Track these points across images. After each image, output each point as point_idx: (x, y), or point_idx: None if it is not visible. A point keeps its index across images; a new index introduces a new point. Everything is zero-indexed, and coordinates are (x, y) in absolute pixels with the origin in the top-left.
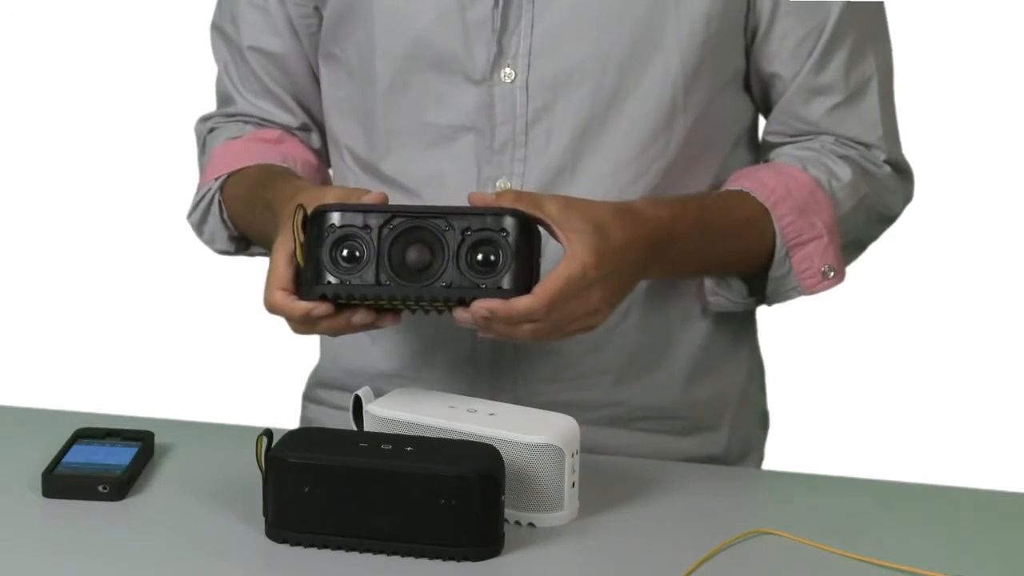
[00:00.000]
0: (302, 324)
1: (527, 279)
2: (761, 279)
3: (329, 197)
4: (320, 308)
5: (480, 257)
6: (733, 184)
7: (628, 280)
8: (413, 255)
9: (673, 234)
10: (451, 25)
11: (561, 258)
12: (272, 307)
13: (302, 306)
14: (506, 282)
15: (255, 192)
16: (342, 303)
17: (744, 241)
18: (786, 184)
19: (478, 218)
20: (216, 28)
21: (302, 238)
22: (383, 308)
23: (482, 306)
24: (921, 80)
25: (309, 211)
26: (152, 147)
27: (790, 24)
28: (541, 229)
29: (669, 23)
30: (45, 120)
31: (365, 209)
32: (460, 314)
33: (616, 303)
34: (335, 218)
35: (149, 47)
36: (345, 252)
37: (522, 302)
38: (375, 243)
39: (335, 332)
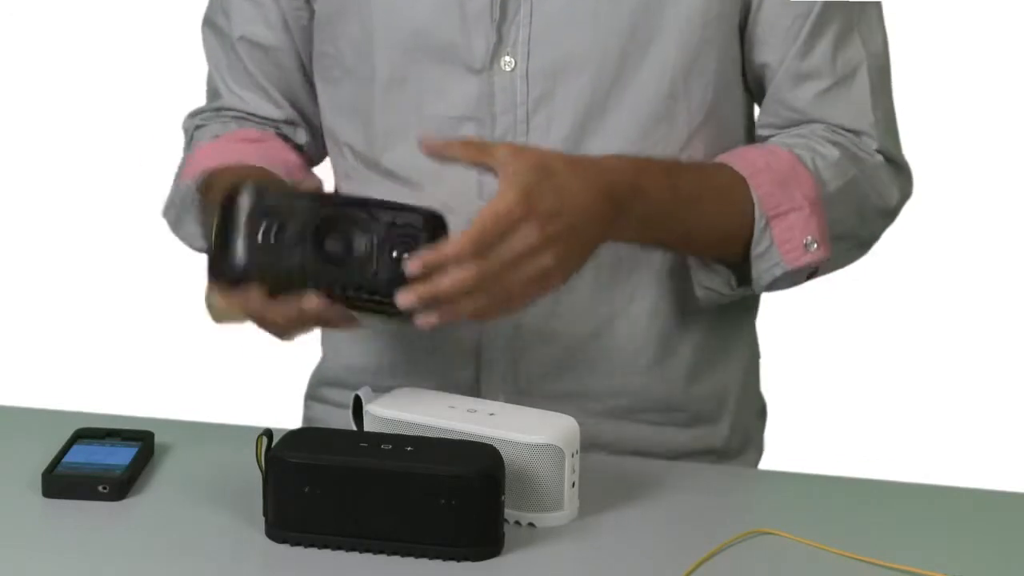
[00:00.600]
0: (234, 310)
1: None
2: (746, 265)
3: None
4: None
5: (396, 254)
6: (715, 159)
7: (587, 235)
8: (334, 243)
9: (638, 186)
10: (450, 15)
11: None
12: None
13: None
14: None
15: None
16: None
17: (719, 208)
18: (766, 158)
19: (398, 213)
20: (208, 23)
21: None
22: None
23: (417, 264)
24: (921, 79)
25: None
26: (152, 147)
27: (777, 9)
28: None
29: (667, 10)
30: (45, 120)
31: (286, 196)
32: (402, 296)
33: (573, 260)
34: (250, 200)
35: (143, 45)
36: (263, 232)
37: (447, 243)
38: (298, 227)
39: (288, 326)
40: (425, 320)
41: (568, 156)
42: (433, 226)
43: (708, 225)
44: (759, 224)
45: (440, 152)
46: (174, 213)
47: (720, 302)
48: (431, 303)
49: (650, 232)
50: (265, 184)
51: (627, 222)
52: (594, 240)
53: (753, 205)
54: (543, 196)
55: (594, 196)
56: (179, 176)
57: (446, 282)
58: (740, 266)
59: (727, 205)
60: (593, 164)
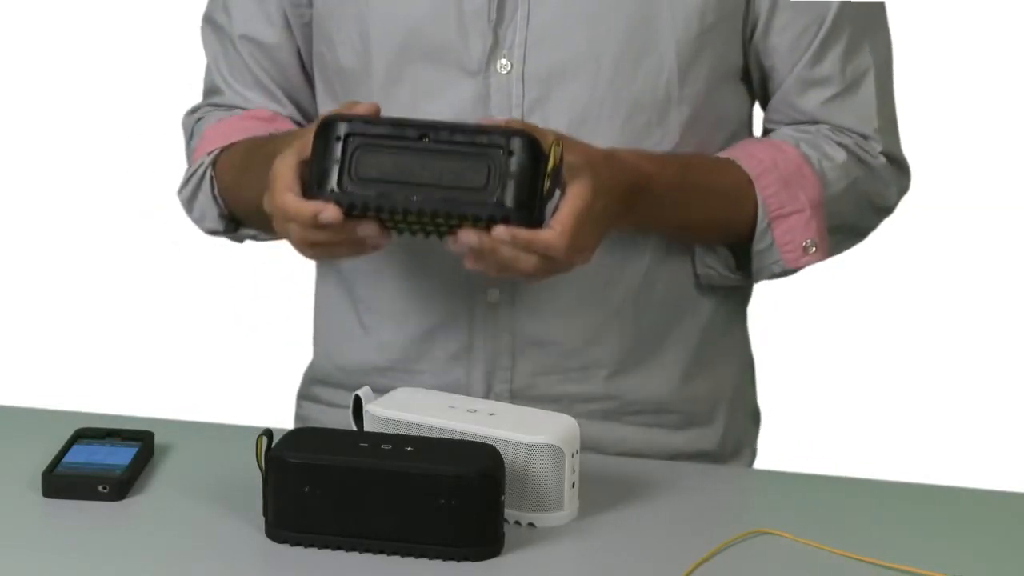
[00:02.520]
0: (308, 230)
1: (531, 200)
2: (747, 252)
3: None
4: (329, 211)
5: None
6: (724, 153)
7: (605, 225)
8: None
9: (650, 186)
10: (447, 16)
11: (563, 195)
12: (282, 206)
13: (310, 207)
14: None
15: (252, 154)
16: (350, 212)
17: (724, 206)
18: (774, 156)
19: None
20: (208, 20)
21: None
22: (387, 223)
23: (505, 233)
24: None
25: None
26: (151, 148)
27: (789, 18)
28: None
29: (664, 15)
30: (45, 121)
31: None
32: (464, 236)
33: (597, 245)
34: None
35: (141, 42)
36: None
37: (545, 234)
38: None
39: (338, 248)
40: (472, 263)
41: (603, 152)
42: (535, 148)
43: (710, 222)
44: (761, 224)
45: (499, 125)
46: (188, 191)
47: (719, 283)
48: (488, 258)
49: (651, 224)
50: (350, 113)
51: (631, 215)
52: (608, 229)
53: (757, 205)
54: (600, 199)
55: (617, 194)
56: (191, 157)
57: (519, 264)
58: (741, 249)
59: (731, 205)
60: (619, 161)
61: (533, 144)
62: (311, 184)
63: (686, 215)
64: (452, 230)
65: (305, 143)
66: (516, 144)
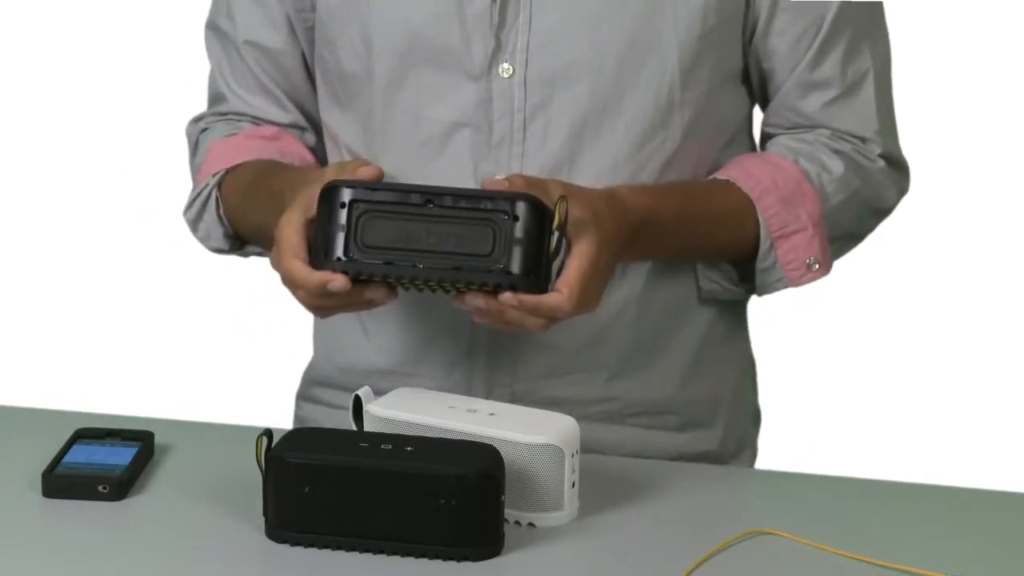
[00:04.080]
0: (316, 297)
1: (536, 266)
2: (750, 268)
3: (329, 174)
4: (337, 280)
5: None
6: (722, 174)
7: (610, 272)
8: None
9: (650, 222)
10: (449, 20)
11: (568, 252)
12: (289, 274)
13: (318, 276)
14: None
15: (258, 182)
16: (357, 279)
17: (726, 231)
18: (772, 175)
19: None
20: (211, 26)
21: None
22: (393, 286)
23: (512, 299)
24: (919, 77)
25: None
26: (151, 148)
27: (788, 20)
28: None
29: (666, 19)
30: (45, 121)
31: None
32: (471, 299)
33: (602, 293)
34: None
35: (144, 47)
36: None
37: (552, 299)
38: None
39: (346, 308)
40: (479, 318)
41: (605, 196)
42: (541, 212)
43: (712, 246)
44: (764, 244)
45: (503, 188)
46: (194, 211)
47: (723, 296)
48: (495, 317)
49: (654, 254)
50: (355, 180)
51: (634, 251)
52: (614, 270)
53: (759, 226)
54: (606, 251)
55: (622, 236)
56: (196, 176)
57: (526, 323)
58: (744, 265)
59: (733, 228)
60: (620, 204)
61: (537, 207)
62: (317, 252)
63: (688, 242)
64: (460, 291)
65: (310, 200)
66: (521, 209)
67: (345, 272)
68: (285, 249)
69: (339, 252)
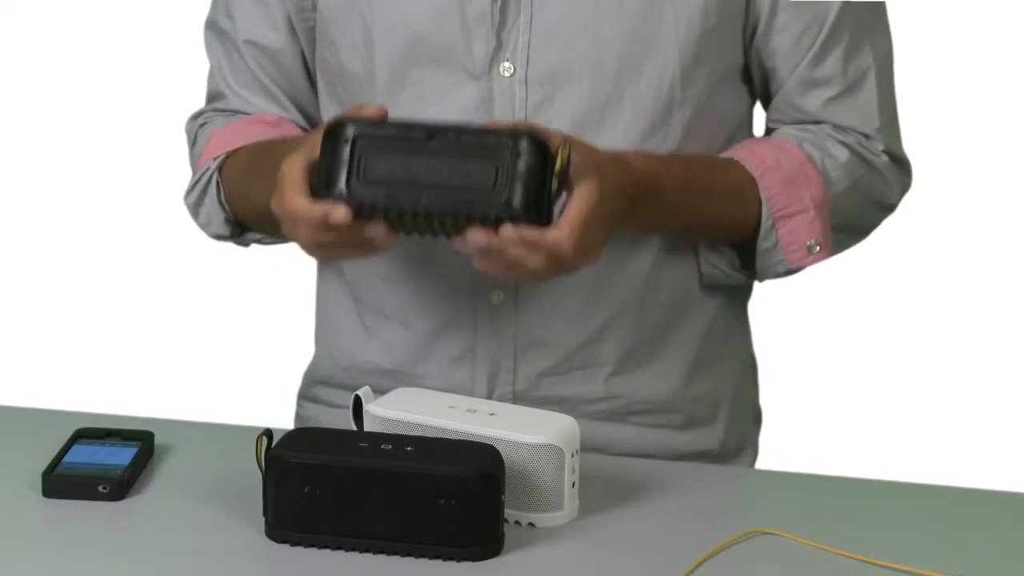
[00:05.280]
0: (316, 231)
1: (539, 200)
2: (751, 251)
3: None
4: (338, 212)
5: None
6: (727, 153)
7: (611, 226)
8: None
9: (654, 188)
10: (450, 20)
11: (570, 195)
12: (292, 207)
13: (320, 208)
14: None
15: (259, 158)
16: (359, 212)
17: (728, 207)
18: (777, 157)
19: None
20: (211, 26)
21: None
22: (395, 223)
23: (513, 233)
24: (921, 76)
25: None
26: (152, 148)
27: (790, 18)
28: None
29: (666, 17)
30: (45, 121)
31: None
32: (472, 236)
33: (604, 246)
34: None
35: (144, 45)
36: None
37: (553, 234)
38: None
39: (346, 249)
40: (480, 261)
41: (610, 154)
42: (543, 149)
43: (714, 221)
44: (765, 224)
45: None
46: (195, 196)
47: (723, 282)
48: (496, 257)
49: (656, 224)
50: (357, 116)
51: (636, 217)
52: (613, 231)
53: (761, 204)
54: (606, 202)
55: (623, 196)
56: (196, 163)
57: (528, 262)
58: (745, 248)
59: (735, 205)
60: (625, 164)
61: (540, 144)
62: (319, 186)
63: (690, 214)
64: (460, 230)
65: (313, 145)
66: (523, 144)
67: (347, 204)
68: (287, 185)
69: (341, 185)
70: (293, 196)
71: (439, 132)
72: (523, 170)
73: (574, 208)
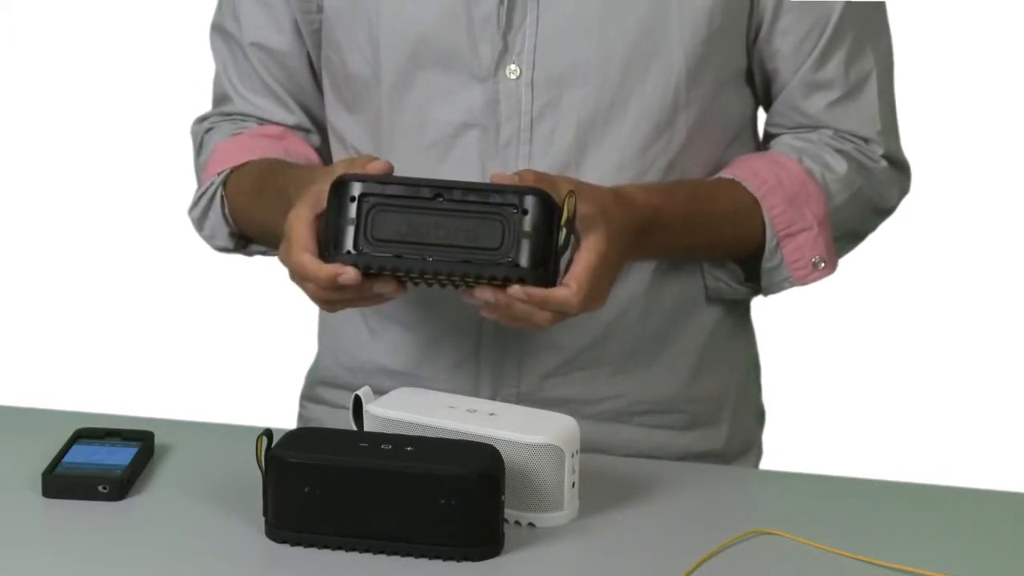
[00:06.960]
0: (325, 291)
1: (545, 259)
2: (756, 267)
3: (338, 169)
4: (347, 274)
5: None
6: (727, 172)
7: (618, 269)
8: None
9: (658, 222)
10: (456, 22)
11: (577, 247)
12: (300, 268)
13: (328, 269)
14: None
15: (265, 181)
16: (367, 272)
17: (731, 230)
18: (778, 174)
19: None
20: (216, 28)
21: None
22: (402, 279)
23: (521, 292)
24: (921, 77)
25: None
26: (152, 148)
27: (792, 21)
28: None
29: (672, 20)
30: (45, 121)
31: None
32: (480, 292)
33: (611, 289)
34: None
35: (148, 47)
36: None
37: (561, 292)
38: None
39: (355, 302)
40: (487, 312)
41: (613, 194)
42: (550, 206)
43: (718, 245)
44: (770, 243)
45: (512, 183)
46: (199, 210)
47: (729, 295)
48: (503, 311)
49: (661, 253)
50: (365, 174)
51: (641, 250)
52: (621, 269)
53: (764, 225)
54: (615, 248)
55: (629, 235)
56: (201, 174)
57: (534, 318)
58: (750, 263)
59: (739, 227)
60: (629, 202)
61: (546, 201)
62: (327, 245)
63: (694, 241)
64: (468, 287)
65: (319, 196)
66: (530, 203)
67: (355, 265)
68: (295, 243)
69: (349, 245)
70: (301, 255)
71: (445, 190)
72: (529, 229)
73: (582, 264)
